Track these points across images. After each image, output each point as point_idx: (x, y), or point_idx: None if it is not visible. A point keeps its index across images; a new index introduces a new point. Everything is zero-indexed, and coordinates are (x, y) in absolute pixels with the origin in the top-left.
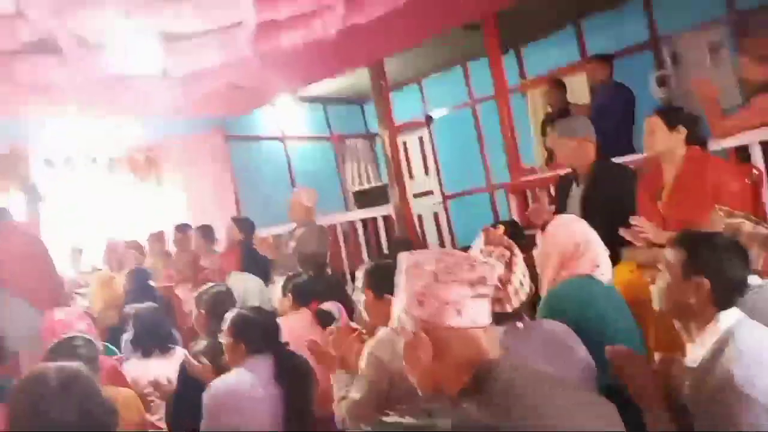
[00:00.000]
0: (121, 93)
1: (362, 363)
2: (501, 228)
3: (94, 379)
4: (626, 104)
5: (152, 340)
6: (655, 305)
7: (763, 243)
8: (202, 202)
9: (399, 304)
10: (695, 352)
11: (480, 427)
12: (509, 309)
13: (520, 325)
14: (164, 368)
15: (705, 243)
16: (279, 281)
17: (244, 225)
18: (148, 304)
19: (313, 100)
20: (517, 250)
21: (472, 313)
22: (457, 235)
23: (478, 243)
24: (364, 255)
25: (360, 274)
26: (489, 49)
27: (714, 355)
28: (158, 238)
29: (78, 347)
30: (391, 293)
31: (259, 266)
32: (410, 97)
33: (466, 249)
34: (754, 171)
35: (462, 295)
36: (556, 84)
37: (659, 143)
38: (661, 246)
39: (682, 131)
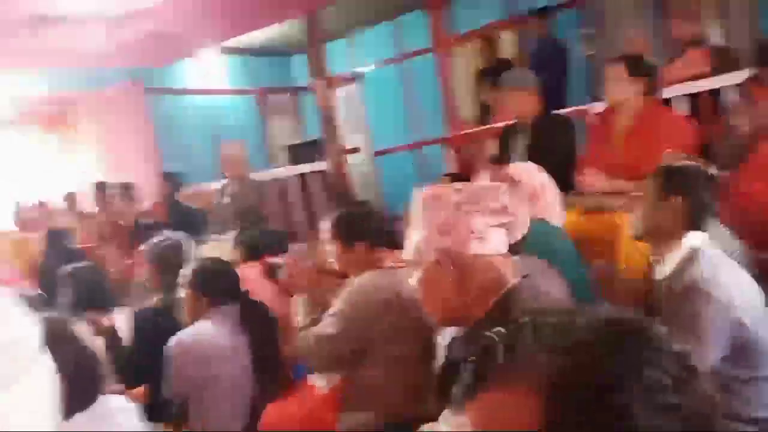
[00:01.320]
0: (28, 40)
1: (339, 302)
2: (448, 179)
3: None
4: (561, 59)
5: (94, 302)
6: (632, 232)
7: None
8: (121, 159)
9: (416, 236)
10: (663, 272)
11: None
12: (514, 240)
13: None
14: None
15: (679, 169)
16: (214, 240)
17: (172, 179)
18: (85, 263)
19: (236, 52)
20: (522, 186)
21: (495, 241)
22: (385, 192)
23: (484, 180)
24: (300, 212)
25: (326, 225)
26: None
27: (683, 265)
28: (71, 198)
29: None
30: (362, 241)
31: (189, 222)
32: (338, 52)
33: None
34: (696, 123)
35: (485, 224)
36: (489, 40)
37: (620, 92)
38: (609, 194)
39: (643, 82)
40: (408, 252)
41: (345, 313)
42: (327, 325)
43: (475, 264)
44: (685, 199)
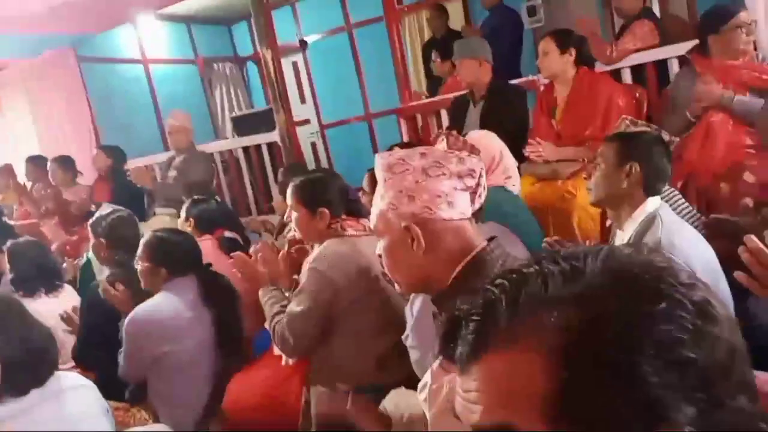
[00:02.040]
0: None
1: (303, 278)
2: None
3: None
4: (515, 28)
5: (38, 279)
6: (591, 199)
7: None
8: (53, 132)
9: (381, 202)
10: (622, 238)
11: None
12: (477, 206)
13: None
14: (53, 308)
15: (635, 136)
16: (160, 213)
17: (114, 152)
18: (26, 238)
19: (175, 19)
20: (497, 153)
21: (461, 205)
22: (336, 165)
23: (441, 148)
24: (247, 184)
25: (289, 191)
26: None
27: (642, 230)
28: (6, 171)
29: None
30: (325, 207)
31: (133, 197)
32: (282, 19)
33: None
34: (639, 90)
35: (452, 187)
36: (439, 9)
37: (553, 65)
38: (557, 161)
39: (573, 53)
40: (374, 219)
41: (311, 288)
42: (294, 305)
43: (441, 229)
44: (642, 165)
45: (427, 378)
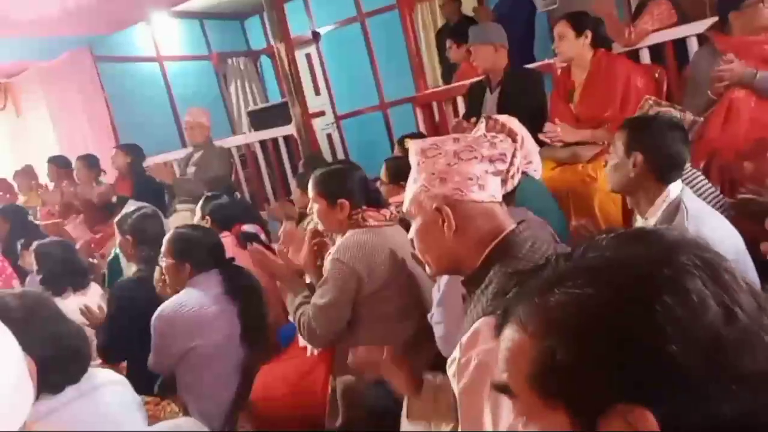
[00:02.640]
0: None
1: (326, 269)
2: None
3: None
4: (528, 13)
5: (65, 278)
6: (609, 185)
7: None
8: (73, 132)
9: (414, 185)
10: (647, 225)
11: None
12: (509, 189)
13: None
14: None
15: (642, 123)
16: (181, 210)
17: (132, 149)
18: (53, 238)
19: (188, 15)
20: (519, 137)
21: (492, 188)
22: (352, 156)
23: (480, 131)
24: (266, 178)
25: (310, 183)
26: None
27: (666, 219)
28: (27, 173)
29: None
30: (345, 198)
31: (153, 193)
32: (295, 12)
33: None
34: (658, 70)
35: (483, 171)
36: None
37: (570, 49)
38: (576, 144)
39: (589, 35)
40: (407, 201)
41: (335, 279)
42: (319, 296)
43: (472, 210)
44: (648, 155)
45: (456, 353)
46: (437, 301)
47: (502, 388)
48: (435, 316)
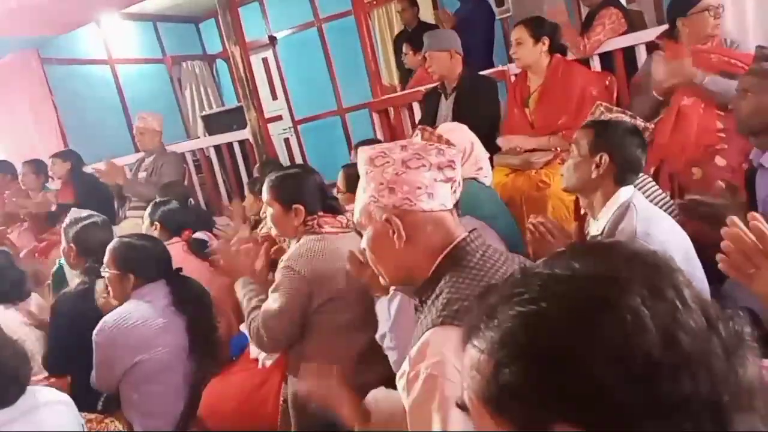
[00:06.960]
0: None
1: (278, 275)
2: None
3: None
4: (488, 19)
5: (4, 289)
6: (562, 183)
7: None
8: (19, 136)
9: (363, 195)
10: (598, 227)
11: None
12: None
13: None
14: (22, 318)
15: (609, 125)
16: (132, 216)
17: (70, 155)
18: None
19: (141, 18)
20: (462, 147)
21: (442, 196)
22: (310, 161)
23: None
24: (221, 183)
25: (264, 187)
26: None
27: (617, 220)
28: None
29: None
30: (300, 203)
31: (98, 198)
32: (251, 16)
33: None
34: (609, 77)
35: (432, 179)
36: (410, 1)
37: (528, 55)
38: (530, 151)
39: (546, 42)
40: (357, 212)
41: (286, 286)
42: (270, 301)
43: (422, 220)
44: (613, 156)
45: (405, 366)
46: (388, 326)
47: (461, 406)
48: (387, 340)
